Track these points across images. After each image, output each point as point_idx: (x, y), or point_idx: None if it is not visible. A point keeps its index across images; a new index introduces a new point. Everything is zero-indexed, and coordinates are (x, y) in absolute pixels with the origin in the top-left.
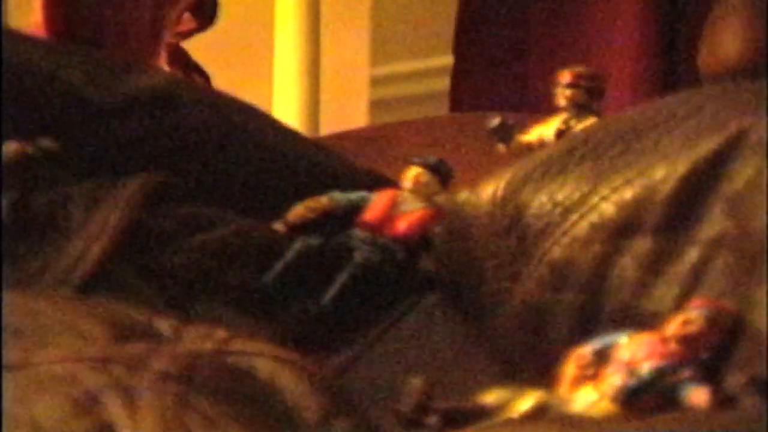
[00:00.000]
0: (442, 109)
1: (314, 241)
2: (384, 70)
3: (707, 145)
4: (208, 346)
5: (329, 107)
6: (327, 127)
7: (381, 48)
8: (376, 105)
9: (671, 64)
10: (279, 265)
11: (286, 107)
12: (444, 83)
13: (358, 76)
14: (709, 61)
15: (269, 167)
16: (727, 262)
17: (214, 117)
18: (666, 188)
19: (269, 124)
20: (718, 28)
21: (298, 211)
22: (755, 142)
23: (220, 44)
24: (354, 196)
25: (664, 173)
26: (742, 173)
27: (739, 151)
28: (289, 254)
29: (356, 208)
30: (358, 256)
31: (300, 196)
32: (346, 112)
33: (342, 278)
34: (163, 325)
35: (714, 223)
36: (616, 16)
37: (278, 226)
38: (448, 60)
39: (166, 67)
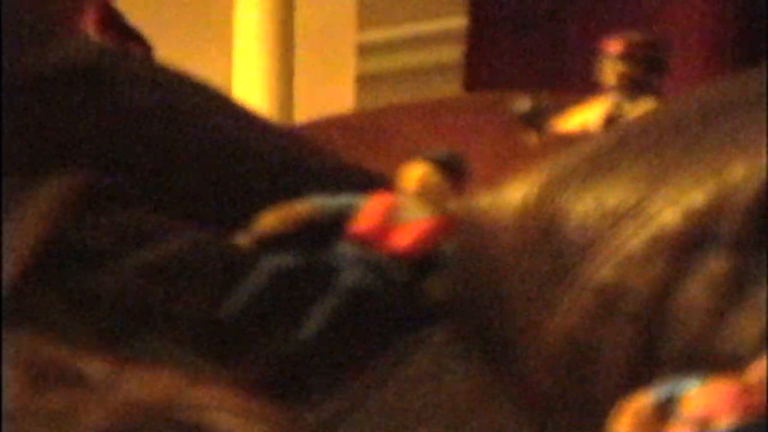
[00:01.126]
0: (452, 86)
1: (289, 259)
2: (375, 35)
3: None
4: (152, 395)
5: (305, 85)
6: (303, 112)
7: (370, 8)
8: (364, 81)
9: (753, 29)
10: (244, 291)
11: (250, 86)
12: (454, 53)
13: (342, 43)
14: None
15: (229, 163)
16: None
17: (155, 98)
18: (748, 191)
19: (228, 108)
20: None
21: (268, 220)
22: None
23: (164, 4)
24: (340, 201)
25: (745, 172)
26: None
27: None
28: (258, 277)
29: (343, 216)
30: (346, 279)
31: (270, 200)
32: (327, 92)
33: (326, 308)
34: (95, 369)
35: None
36: None
37: (243, 239)
38: (459, 22)
39: (94, 35)
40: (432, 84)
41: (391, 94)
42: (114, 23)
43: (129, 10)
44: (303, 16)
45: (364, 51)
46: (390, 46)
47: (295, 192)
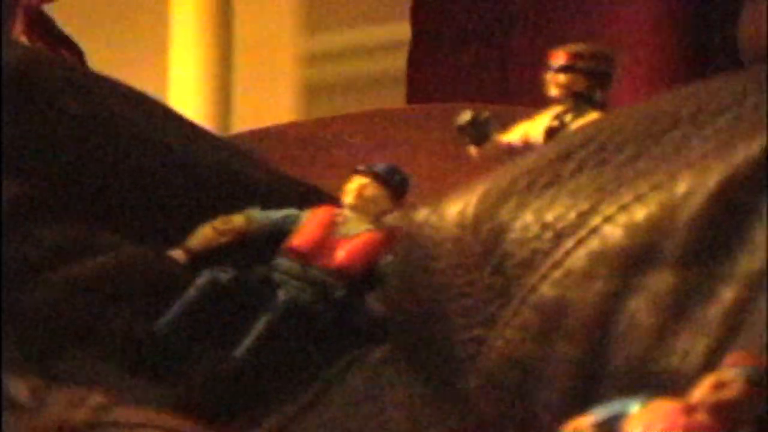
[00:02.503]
0: (396, 96)
1: (225, 274)
2: (317, 43)
3: (747, 149)
4: (80, 415)
5: (245, 95)
6: (242, 122)
7: (313, 14)
8: (307, 91)
9: (701, 41)
10: (177, 307)
11: (187, 94)
12: (399, 62)
13: (283, 52)
14: (753, 38)
15: (163, 175)
16: None
17: (86, 106)
18: (691, 206)
19: (164, 117)
20: None
21: (204, 233)
22: None
23: (97, 9)
24: (278, 214)
25: (689, 186)
26: None
27: None
28: (191, 292)
29: (281, 230)
30: (282, 295)
31: (206, 213)
32: (268, 102)
33: (261, 324)
34: (19, 388)
35: (756, 252)
36: None
37: (177, 253)
38: (404, 31)
39: (22, 38)
40: (379, 94)
41: (335, 104)
42: (45, 29)
43: (60, 16)
44: (242, 23)
45: (307, 60)
46: (335, 55)
47: (232, 205)
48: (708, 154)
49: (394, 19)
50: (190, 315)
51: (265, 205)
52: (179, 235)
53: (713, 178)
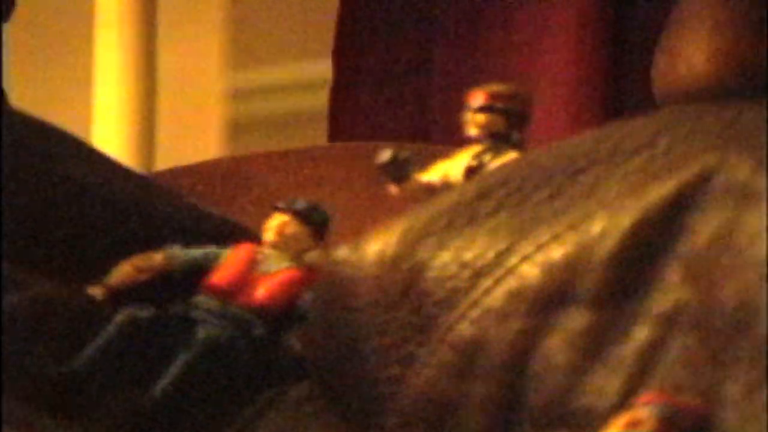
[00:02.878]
0: (322, 133)
1: (143, 311)
2: (243, 79)
3: (660, 190)
4: None
5: (169, 131)
6: (166, 158)
7: (238, 50)
8: (232, 127)
9: (617, 83)
10: (94, 345)
11: (111, 130)
12: (324, 99)
13: (208, 87)
14: (666, 79)
15: (82, 211)
16: (687, 343)
17: (7, 141)
18: (606, 246)
19: (83, 153)
20: (676, 37)
21: (123, 270)
22: (722, 186)
23: (21, 42)
24: (199, 252)
25: (604, 226)
26: (703, 226)
27: (702, 198)
28: (109, 330)
29: (201, 267)
30: (201, 332)
31: (125, 250)
32: (193, 138)
33: (180, 362)
34: None
35: (668, 291)
36: (546, 21)
37: (95, 290)
38: (330, 68)
39: None
40: (305, 131)
41: (261, 140)
42: None
43: None
44: (167, 59)
45: (232, 96)
46: (260, 91)
47: (152, 242)
48: (622, 195)
49: (321, 56)
50: (108, 353)
51: (186, 243)
52: (99, 273)
53: (627, 218)
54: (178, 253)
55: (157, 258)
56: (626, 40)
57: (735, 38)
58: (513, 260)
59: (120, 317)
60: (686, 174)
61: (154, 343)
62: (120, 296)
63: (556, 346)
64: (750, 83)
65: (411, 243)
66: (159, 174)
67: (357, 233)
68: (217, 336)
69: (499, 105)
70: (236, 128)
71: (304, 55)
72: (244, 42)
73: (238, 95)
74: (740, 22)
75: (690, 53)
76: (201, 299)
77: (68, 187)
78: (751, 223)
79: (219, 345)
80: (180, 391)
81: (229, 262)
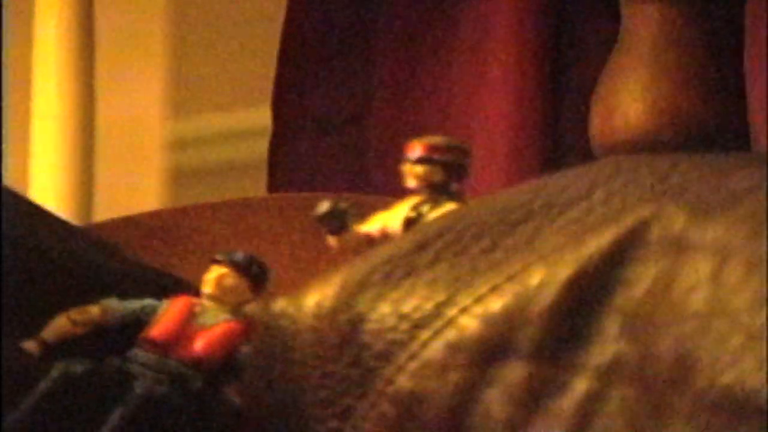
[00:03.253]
0: (261, 182)
1: (79, 366)
2: (184, 129)
3: (597, 241)
4: None
5: (107, 181)
6: (104, 209)
7: (180, 99)
8: (173, 177)
9: (555, 135)
10: (29, 401)
11: (48, 181)
12: (265, 148)
13: (149, 136)
14: (602, 131)
15: (15, 264)
16: (625, 395)
17: None
18: (544, 298)
19: (20, 206)
20: (612, 89)
21: (59, 324)
22: (658, 239)
23: None
24: (136, 304)
25: (542, 278)
26: (640, 278)
27: (638, 250)
28: (44, 385)
29: (139, 320)
30: (138, 387)
31: (60, 303)
32: (132, 188)
33: (116, 417)
34: None
35: (607, 344)
36: (484, 73)
37: (30, 344)
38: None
39: None
40: (248, 179)
41: (202, 190)
42: None
43: None
44: (106, 108)
45: (172, 145)
46: (201, 141)
47: (88, 295)
48: (560, 246)
49: (261, 104)
50: (42, 409)
51: (123, 295)
52: (33, 327)
53: (565, 270)
54: (115, 306)
55: (94, 311)
56: (564, 92)
57: (670, 91)
58: (452, 312)
59: (54, 372)
60: (622, 226)
61: (90, 398)
62: (55, 350)
63: (495, 399)
64: (685, 136)
65: (349, 295)
66: (96, 226)
67: (296, 285)
68: (154, 390)
69: (438, 156)
70: (176, 177)
71: (244, 104)
72: (184, 91)
73: (177, 144)
74: (675, 75)
75: (626, 105)
76: (138, 353)
77: (8, 242)
78: (686, 275)
79: (156, 399)
80: None
81: (166, 315)
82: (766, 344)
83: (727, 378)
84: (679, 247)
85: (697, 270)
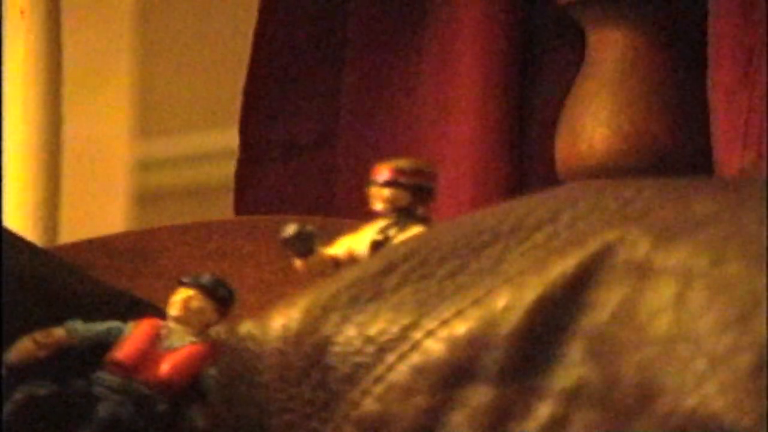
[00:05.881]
0: (228, 204)
1: (43, 389)
2: (150, 150)
3: (562, 265)
4: None
5: (73, 203)
6: (70, 231)
7: (147, 121)
8: (139, 199)
9: (521, 159)
10: None
11: (13, 203)
12: (232, 170)
13: (115, 158)
14: (567, 156)
15: None
16: (589, 419)
17: None
18: (509, 321)
19: None
20: (577, 115)
21: (23, 346)
22: (622, 263)
23: None
24: (101, 327)
25: (507, 302)
26: (604, 302)
27: (603, 275)
28: (7, 407)
29: (104, 343)
30: (103, 410)
31: (25, 326)
32: (98, 210)
33: None
34: None
35: (571, 367)
36: (452, 97)
37: None
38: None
39: None
40: (216, 201)
41: (169, 211)
42: None
43: None
44: (72, 129)
45: (139, 166)
46: (167, 162)
47: (53, 317)
48: (525, 270)
49: (229, 126)
50: (6, 431)
51: (88, 318)
52: None
53: (530, 294)
54: (80, 328)
55: (58, 333)
56: (530, 117)
57: (635, 116)
58: (417, 335)
59: (18, 395)
60: (587, 250)
61: (54, 420)
62: (19, 373)
63: (460, 422)
64: (649, 160)
65: (315, 318)
66: (62, 247)
67: (262, 308)
68: (118, 413)
69: (404, 180)
70: (142, 199)
71: (211, 126)
72: (151, 112)
73: (144, 166)
74: (640, 100)
75: (590, 130)
76: (103, 375)
77: None
78: (650, 299)
79: (120, 422)
80: None
81: (132, 338)
82: (730, 368)
83: (690, 402)
84: (643, 271)
85: (661, 294)
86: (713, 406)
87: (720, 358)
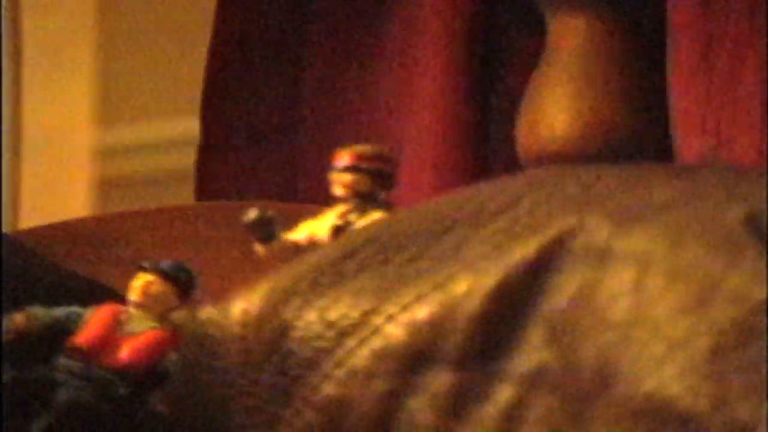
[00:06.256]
0: (191, 192)
1: (3, 374)
2: (112, 137)
3: (522, 251)
4: None
5: (34, 190)
6: (31, 218)
7: (108, 108)
8: (101, 186)
9: (482, 145)
10: None
11: None
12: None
13: (76, 145)
14: (528, 142)
15: None
16: (548, 403)
17: None
18: (470, 306)
19: None
20: (538, 101)
21: None
22: (581, 248)
23: None
24: (61, 312)
25: (468, 287)
26: (564, 287)
27: (562, 259)
28: None
29: (64, 328)
30: (63, 395)
31: None
32: (59, 197)
33: (41, 425)
34: None
35: (530, 352)
36: (415, 84)
37: None
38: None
39: None
40: (178, 189)
41: (131, 199)
42: None
43: None
44: (33, 117)
45: (101, 154)
46: (129, 150)
47: (13, 303)
48: (486, 255)
49: (191, 114)
50: None
51: (49, 303)
52: None
53: (490, 279)
54: (40, 314)
55: (18, 319)
56: (491, 103)
57: (595, 103)
58: (378, 320)
59: None
60: (547, 235)
61: (14, 405)
62: None
63: (420, 406)
64: (610, 147)
65: (276, 303)
66: (22, 232)
67: (223, 293)
68: (79, 398)
69: (365, 165)
70: (103, 187)
71: (173, 113)
72: (112, 100)
73: (105, 153)
74: (600, 87)
75: (552, 117)
76: (63, 361)
77: None
78: (609, 284)
79: (81, 407)
80: None
81: (92, 323)
82: (687, 353)
83: (648, 386)
84: (602, 256)
85: (620, 279)
86: (670, 390)
87: (677, 343)
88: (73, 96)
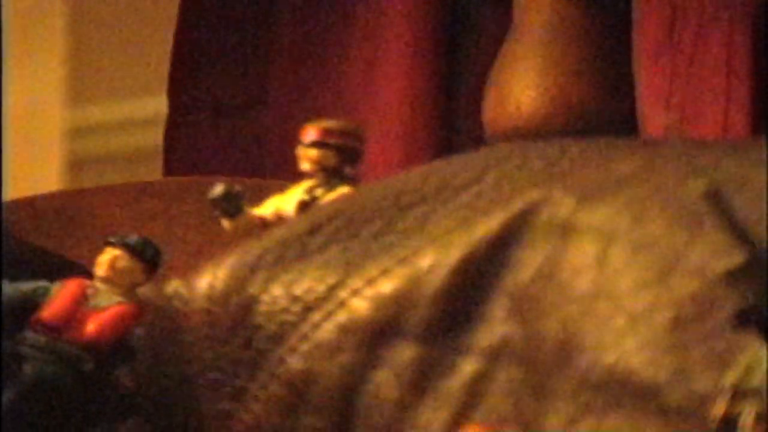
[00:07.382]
0: (159, 169)
1: None
2: (82, 116)
3: (486, 225)
4: None
5: (5, 169)
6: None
7: (78, 87)
8: (72, 165)
9: (450, 119)
10: None
11: None
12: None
13: (47, 125)
14: (494, 117)
15: None
16: (512, 376)
17: None
18: (434, 280)
19: None
20: (505, 76)
21: None
22: (546, 222)
23: None
24: (28, 286)
25: (433, 261)
26: (528, 261)
27: (526, 233)
28: None
29: (30, 303)
30: (28, 369)
31: None
32: (31, 176)
33: (6, 399)
34: None
35: (494, 325)
36: (382, 59)
37: None
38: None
39: None
40: (147, 167)
41: (102, 178)
42: None
43: None
44: (4, 96)
45: (72, 133)
46: (101, 128)
47: None
48: (451, 230)
49: (160, 92)
50: None
51: (15, 278)
52: None
53: (455, 253)
54: (6, 288)
55: None
56: (458, 78)
57: (562, 79)
58: (343, 294)
59: None
60: (511, 210)
61: None
62: None
63: (385, 380)
64: (575, 122)
65: (241, 277)
66: None
67: (190, 268)
68: (44, 372)
69: (332, 140)
70: (74, 165)
71: (143, 92)
72: (83, 79)
73: (76, 132)
74: (567, 63)
75: (518, 93)
76: (29, 335)
77: None
78: (573, 258)
79: (46, 381)
80: (6, 428)
81: (58, 297)
82: (648, 325)
83: (609, 359)
84: (565, 230)
85: (583, 253)
86: (631, 362)
87: (639, 316)
88: (43, 76)
